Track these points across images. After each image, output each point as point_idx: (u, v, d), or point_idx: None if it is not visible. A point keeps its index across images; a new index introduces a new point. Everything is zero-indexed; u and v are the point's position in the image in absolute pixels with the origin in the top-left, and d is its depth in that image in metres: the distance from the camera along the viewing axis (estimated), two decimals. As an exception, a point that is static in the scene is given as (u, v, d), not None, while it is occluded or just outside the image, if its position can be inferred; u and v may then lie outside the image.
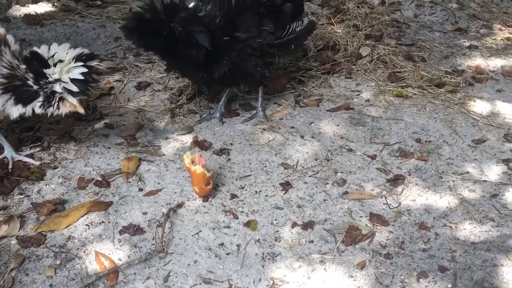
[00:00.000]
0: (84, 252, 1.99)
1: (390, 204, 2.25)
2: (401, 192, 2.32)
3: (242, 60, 2.49)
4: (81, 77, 2.09)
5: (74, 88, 2.10)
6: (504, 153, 2.57)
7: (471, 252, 1.98)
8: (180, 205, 2.25)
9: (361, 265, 1.93)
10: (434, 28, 4.04)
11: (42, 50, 2.11)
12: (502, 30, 3.98)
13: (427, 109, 2.93)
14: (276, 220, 2.18)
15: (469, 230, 2.09)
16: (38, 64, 2.09)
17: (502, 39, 3.80)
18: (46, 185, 2.33)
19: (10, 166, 2.39)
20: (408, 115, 2.88)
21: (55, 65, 2.09)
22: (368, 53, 3.50)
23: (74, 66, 2.08)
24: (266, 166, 2.50)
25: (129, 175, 2.41)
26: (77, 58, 2.10)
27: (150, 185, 2.37)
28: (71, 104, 2.17)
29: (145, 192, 2.32)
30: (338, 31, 3.80)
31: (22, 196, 2.26)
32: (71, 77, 2.08)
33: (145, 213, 2.20)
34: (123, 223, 2.14)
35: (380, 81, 3.21)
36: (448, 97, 3.04)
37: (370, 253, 1.99)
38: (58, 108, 2.16)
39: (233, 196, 2.31)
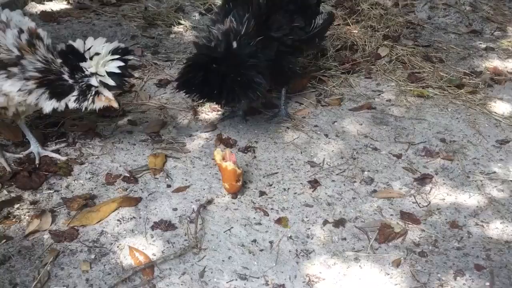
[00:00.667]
0: (117, 247, 1.99)
1: (420, 203, 2.25)
2: (430, 191, 2.32)
3: (277, 59, 2.49)
4: (118, 71, 2.06)
5: (111, 82, 2.08)
6: (529, 153, 2.58)
7: (506, 251, 1.99)
8: (210, 202, 2.24)
9: (397, 262, 1.93)
10: (449, 30, 4.06)
11: (78, 44, 2.10)
12: (516, 33, 4.00)
13: (449, 109, 2.94)
14: (306, 217, 2.18)
15: (501, 229, 2.10)
16: (74, 58, 2.07)
17: (517, 42, 3.82)
18: (74, 181, 2.32)
19: (37, 161, 2.38)
20: (430, 115, 2.89)
21: (91, 58, 2.07)
22: (387, 53, 3.51)
23: (111, 60, 2.06)
24: (292, 164, 2.50)
25: (156, 171, 2.40)
26: (114, 52, 2.08)
27: (178, 181, 2.36)
28: (107, 98, 2.15)
29: (173, 189, 2.31)
30: (354, 31, 3.81)
31: (51, 191, 2.25)
32: (107, 71, 2.06)
33: (175, 209, 2.19)
34: (154, 218, 2.13)
35: (400, 81, 3.22)
36: (469, 97, 3.06)
37: (404, 251, 2.00)
38: (93, 102, 2.14)
39: (262, 193, 2.31)
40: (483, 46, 3.77)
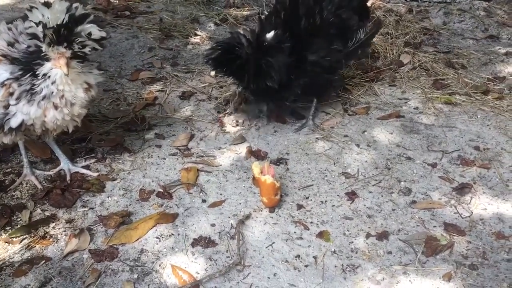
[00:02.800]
0: (159, 265, 1.94)
1: (462, 213, 2.21)
2: (470, 201, 2.28)
3: (313, 79, 2.51)
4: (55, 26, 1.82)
5: (51, 35, 1.82)
6: None
7: (558, 261, 1.95)
8: (248, 217, 2.20)
9: (447, 276, 1.89)
10: (466, 36, 4.04)
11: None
12: (534, 37, 3.99)
13: (479, 116, 2.91)
14: (348, 230, 2.13)
15: (549, 239, 2.06)
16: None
17: (537, 46, 3.80)
18: (108, 197, 2.27)
19: (68, 178, 2.34)
20: (460, 122, 2.86)
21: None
22: (409, 60, 3.48)
23: (61, 18, 1.83)
24: (326, 176, 2.46)
25: (189, 186, 2.36)
26: (68, 11, 1.85)
27: (212, 196, 2.32)
28: (58, 58, 1.88)
29: (209, 204, 2.27)
30: (373, 39, 3.78)
31: (85, 209, 2.20)
32: (50, 26, 1.82)
33: (213, 225, 2.15)
34: (193, 235, 2.09)
35: (425, 88, 3.19)
36: (496, 104, 3.03)
37: (453, 264, 1.95)
38: (45, 67, 1.91)
39: (299, 206, 2.26)
40: (503, 51, 3.74)
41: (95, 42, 1.90)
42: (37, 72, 1.93)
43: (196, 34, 3.95)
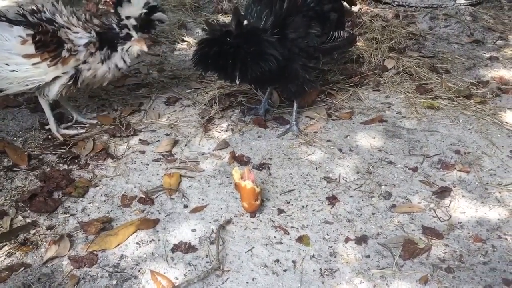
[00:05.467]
0: (139, 271, 1.95)
1: (441, 217, 2.23)
2: (449, 205, 2.31)
3: (289, 59, 2.50)
4: (139, 16, 2.53)
5: (134, 22, 2.55)
6: (545, 163, 2.57)
7: (533, 264, 1.97)
8: (228, 222, 2.21)
9: (424, 279, 1.91)
10: (451, 40, 4.08)
11: None
12: (518, 42, 4.03)
13: (460, 120, 2.94)
14: (327, 235, 2.15)
15: (525, 242, 2.09)
16: (118, 4, 2.54)
17: (521, 51, 3.84)
18: (89, 203, 2.28)
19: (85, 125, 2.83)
20: (442, 126, 2.89)
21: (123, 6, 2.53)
22: (393, 65, 3.52)
23: (140, 9, 2.52)
24: (308, 180, 2.48)
25: (172, 191, 2.37)
26: (145, 5, 2.53)
27: (194, 201, 2.33)
28: (134, 40, 2.59)
29: (190, 209, 2.28)
30: (358, 44, 3.82)
31: (67, 215, 2.21)
32: (134, 15, 2.53)
33: (194, 230, 2.16)
34: (173, 240, 2.10)
35: (409, 93, 3.22)
36: (479, 108, 3.06)
37: (430, 267, 1.97)
38: (127, 44, 2.60)
39: (280, 211, 2.28)
40: (487, 55, 3.78)
41: (162, 24, 2.66)
42: (118, 47, 2.61)
43: (183, 40, 3.97)
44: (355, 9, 4.31)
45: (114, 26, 2.59)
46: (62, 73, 2.49)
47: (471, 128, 2.87)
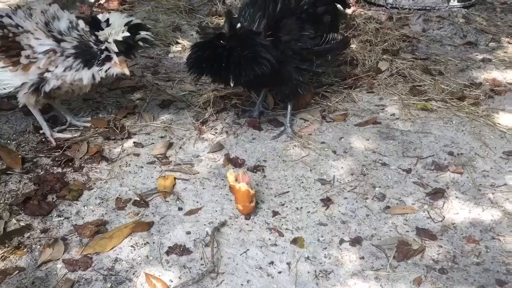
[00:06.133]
0: (133, 274, 1.95)
1: (434, 218, 2.25)
2: (443, 206, 2.32)
3: (283, 62, 2.51)
4: (121, 39, 2.40)
5: (114, 48, 2.41)
6: (537, 164, 2.59)
7: (526, 264, 1.98)
8: (223, 224, 2.21)
9: (418, 281, 1.92)
10: (444, 42, 4.11)
11: (101, 17, 2.45)
12: (511, 43, 4.06)
13: (454, 122, 2.96)
14: (322, 236, 2.16)
15: (518, 242, 2.10)
16: (95, 27, 2.41)
17: (513, 52, 3.87)
18: (84, 206, 2.28)
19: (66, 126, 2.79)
20: (436, 128, 2.90)
21: (107, 27, 2.41)
22: (387, 67, 3.53)
23: (122, 31, 2.39)
24: (303, 182, 2.49)
25: (166, 194, 2.37)
26: (126, 24, 2.40)
27: (189, 204, 2.33)
28: (115, 63, 2.46)
29: (185, 211, 2.28)
30: (352, 46, 3.83)
31: (61, 218, 2.21)
32: (114, 39, 2.39)
33: (188, 233, 2.16)
34: (168, 243, 2.10)
35: (402, 95, 3.24)
36: (472, 109, 3.08)
37: (424, 269, 1.98)
38: (106, 65, 2.46)
39: (275, 213, 2.28)
40: (480, 57, 3.81)
41: (146, 44, 2.51)
42: (95, 66, 2.47)
43: (177, 43, 3.97)
44: (349, 11, 4.33)
45: (92, 45, 2.45)
46: (29, 80, 2.42)
47: (464, 130, 2.88)
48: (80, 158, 2.59)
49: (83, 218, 2.21)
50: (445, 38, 4.17)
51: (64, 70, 2.42)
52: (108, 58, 2.46)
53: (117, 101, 3.15)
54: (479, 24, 4.37)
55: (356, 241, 2.12)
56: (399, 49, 3.80)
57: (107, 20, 2.44)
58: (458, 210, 2.29)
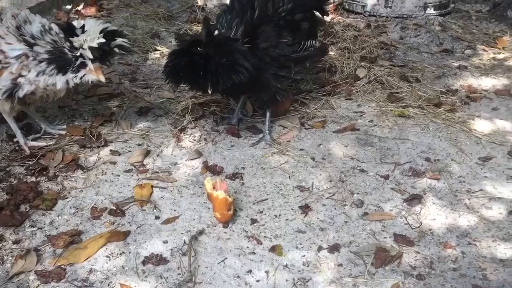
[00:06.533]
0: (108, 285, 1.91)
1: (412, 224, 2.26)
2: (420, 212, 2.33)
3: (261, 69, 2.50)
4: (97, 46, 2.36)
5: (89, 55, 2.37)
6: (511, 169, 2.63)
7: (501, 269, 2.00)
8: (201, 232, 2.19)
9: (395, 287, 1.92)
10: (421, 50, 4.16)
11: (76, 23, 2.44)
12: (486, 51, 4.13)
13: (431, 128, 2.99)
14: (300, 244, 2.15)
15: (493, 248, 2.12)
16: (69, 34, 2.38)
17: (488, 59, 3.95)
18: (58, 216, 2.23)
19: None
20: (413, 134, 2.93)
21: (82, 33, 2.38)
22: (365, 74, 3.56)
23: (97, 37, 2.35)
24: (281, 190, 2.48)
25: (143, 202, 2.34)
26: (101, 31, 2.38)
27: (166, 212, 2.30)
28: (90, 70, 2.41)
29: (162, 220, 2.25)
30: (331, 53, 3.86)
31: (34, 229, 2.15)
32: (89, 45, 2.35)
33: (165, 242, 2.13)
34: (144, 253, 2.07)
35: (380, 101, 3.26)
36: (448, 116, 3.11)
37: (402, 275, 1.99)
38: (80, 72, 2.42)
39: (253, 221, 2.27)
40: (456, 64, 3.87)
41: (123, 51, 2.48)
42: (69, 73, 2.42)
43: (156, 49, 3.95)
44: (327, 18, 4.36)
45: (67, 51, 2.40)
46: (2, 86, 2.38)
47: (441, 136, 2.92)
48: (55, 166, 2.54)
49: (57, 228, 2.17)
50: (422, 46, 4.23)
51: (37, 75, 2.37)
52: (83, 65, 2.41)
53: (94, 109, 3.10)
54: (455, 32, 4.45)
55: (334, 248, 2.11)
56: (377, 56, 3.83)
57: (83, 27, 2.41)
58: (435, 216, 2.31)
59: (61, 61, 2.40)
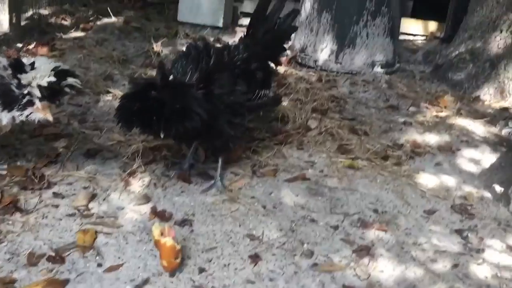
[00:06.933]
0: None
1: (360, 276, 2.26)
2: (368, 263, 2.35)
3: (214, 116, 2.50)
4: (46, 85, 2.32)
5: (37, 93, 2.33)
6: (455, 223, 2.72)
7: (447, 322, 2.02)
8: (146, 281, 2.10)
9: None
10: (369, 105, 4.33)
11: (25, 60, 2.40)
12: (428, 109, 4.35)
13: (378, 180, 3.06)
14: (249, 295, 2.10)
15: (439, 300, 2.15)
16: (19, 71, 2.33)
17: (431, 117, 4.15)
18: (-9, 262, 2.08)
19: None
20: (361, 186, 2.99)
21: (31, 70, 2.34)
22: (316, 125, 3.65)
23: (47, 75, 2.32)
24: (231, 238, 2.43)
25: (85, 249, 2.23)
26: (52, 70, 2.35)
27: (109, 260, 2.20)
28: (37, 108, 2.36)
29: (104, 268, 2.14)
30: (284, 103, 3.94)
31: (-38, 276, 1.99)
32: (38, 83, 2.31)
33: (107, 292, 2.02)
34: (84, 303, 1.94)
35: (330, 152, 3.33)
36: (395, 169, 3.21)
37: (351, 328, 1.96)
38: (27, 110, 2.37)
39: (201, 270, 2.20)
40: (401, 120, 4.04)
41: (73, 91, 2.50)
42: (15, 111, 2.38)
43: (108, 92, 3.89)
44: (281, 70, 4.48)
45: (14, 88, 2.35)
46: None
47: (388, 188, 2.99)
48: (-9, 208, 2.39)
49: (-12, 276, 2.01)
50: (370, 101, 4.40)
51: None
52: (30, 103, 2.35)
53: (39, 149, 2.98)
54: (400, 90, 4.67)
55: (283, 300, 2.07)
56: (328, 108, 3.95)
57: (32, 64, 2.36)
58: (383, 268, 2.33)
59: (7, 97, 2.33)
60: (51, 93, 2.37)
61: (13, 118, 2.37)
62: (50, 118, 2.41)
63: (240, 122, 2.74)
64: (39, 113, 2.38)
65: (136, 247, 2.29)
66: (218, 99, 2.56)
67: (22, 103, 2.35)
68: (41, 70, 2.33)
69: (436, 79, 5.02)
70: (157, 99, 2.34)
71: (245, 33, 3.05)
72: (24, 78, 2.32)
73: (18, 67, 2.35)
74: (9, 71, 2.35)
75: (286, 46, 3.34)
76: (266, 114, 3.35)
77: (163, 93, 2.36)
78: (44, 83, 2.31)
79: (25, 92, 2.34)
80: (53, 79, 2.33)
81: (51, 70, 2.34)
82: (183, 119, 2.37)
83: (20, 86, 2.33)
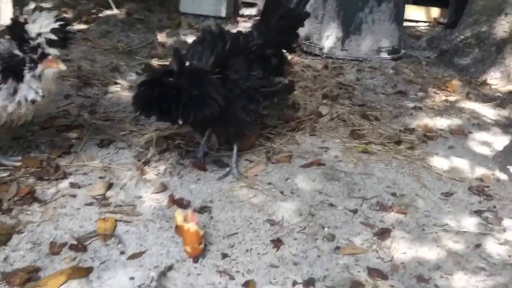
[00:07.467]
0: (71, 326, 1.75)
1: (384, 258, 2.25)
2: (390, 246, 2.33)
3: (230, 101, 2.48)
4: (59, 27, 2.29)
5: (54, 37, 2.27)
6: (473, 204, 2.71)
7: (475, 301, 2.01)
8: (170, 268, 2.08)
9: (374, 321, 1.88)
10: (378, 91, 4.31)
11: (21, 18, 2.34)
12: (437, 94, 4.33)
13: (394, 164, 3.05)
14: (274, 279, 2.08)
15: (465, 281, 2.14)
16: (18, 28, 2.27)
17: (441, 101, 4.13)
18: (13, 252, 2.06)
19: None
20: (377, 170, 2.97)
21: (34, 22, 2.28)
22: (327, 111, 3.63)
23: (51, 23, 2.28)
24: (251, 223, 2.42)
25: (107, 237, 2.21)
26: (55, 17, 2.32)
27: (132, 247, 2.18)
28: (53, 59, 2.30)
29: (128, 255, 2.13)
30: (294, 91, 3.91)
31: (-14, 266, 1.97)
32: (51, 27, 2.27)
33: (132, 278, 2.01)
34: (110, 290, 1.93)
35: (343, 138, 3.31)
36: (409, 153, 3.20)
37: (379, 308, 1.95)
38: (39, 67, 2.30)
39: (224, 255, 2.19)
40: (411, 105, 4.02)
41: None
42: (26, 75, 2.30)
43: (116, 83, 3.86)
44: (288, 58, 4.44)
45: (16, 52, 2.31)
46: None
47: (404, 172, 2.98)
48: (9, 199, 2.37)
49: (12, 265, 1.99)
50: (377, 87, 4.38)
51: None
52: (43, 56, 2.29)
53: (51, 140, 2.96)
54: (407, 76, 4.65)
55: (309, 283, 2.06)
56: (337, 95, 3.92)
57: (33, 19, 2.31)
58: (405, 250, 2.32)
59: (14, 65, 2.28)
60: (61, 39, 2.32)
61: (32, 89, 2.31)
62: (63, 67, 2.37)
63: (255, 108, 2.72)
64: (51, 66, 2.32)
65: (157, 234, 2.27)
66: (233, 84, 2.54)
67: (32, 59, 2.29)
68: (43, 20, 2.27)
69: (442, 64, 5.00)
70: (175, 85, 2.31)
71: (259, 20, 3.02)
72: (32, 29, 2.26)
73: (16, 28, 2.29)
74: (8, 44, 2.32)
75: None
76: (280, 102, 3.31)
77: (180, 80, 2.34)
78: (56, 26, 2.27)
79: (35, 44, 2.28)
80: (60, 23, 2.29)
81: (54, 17, 2.31)
82: (201, 105, 2.35)
83: (24, 43, 2.28)
